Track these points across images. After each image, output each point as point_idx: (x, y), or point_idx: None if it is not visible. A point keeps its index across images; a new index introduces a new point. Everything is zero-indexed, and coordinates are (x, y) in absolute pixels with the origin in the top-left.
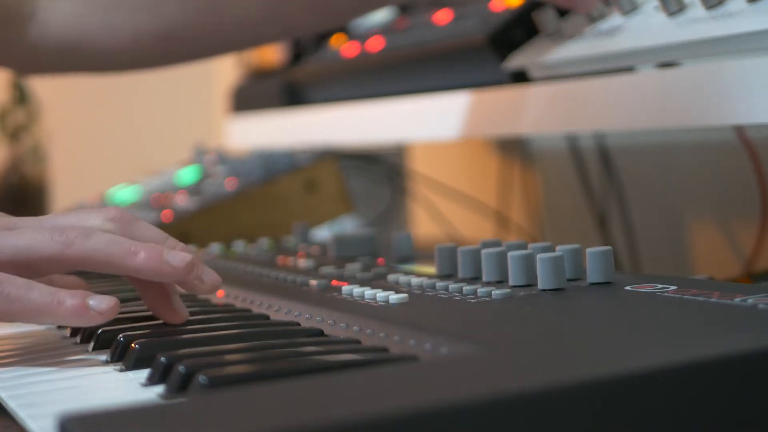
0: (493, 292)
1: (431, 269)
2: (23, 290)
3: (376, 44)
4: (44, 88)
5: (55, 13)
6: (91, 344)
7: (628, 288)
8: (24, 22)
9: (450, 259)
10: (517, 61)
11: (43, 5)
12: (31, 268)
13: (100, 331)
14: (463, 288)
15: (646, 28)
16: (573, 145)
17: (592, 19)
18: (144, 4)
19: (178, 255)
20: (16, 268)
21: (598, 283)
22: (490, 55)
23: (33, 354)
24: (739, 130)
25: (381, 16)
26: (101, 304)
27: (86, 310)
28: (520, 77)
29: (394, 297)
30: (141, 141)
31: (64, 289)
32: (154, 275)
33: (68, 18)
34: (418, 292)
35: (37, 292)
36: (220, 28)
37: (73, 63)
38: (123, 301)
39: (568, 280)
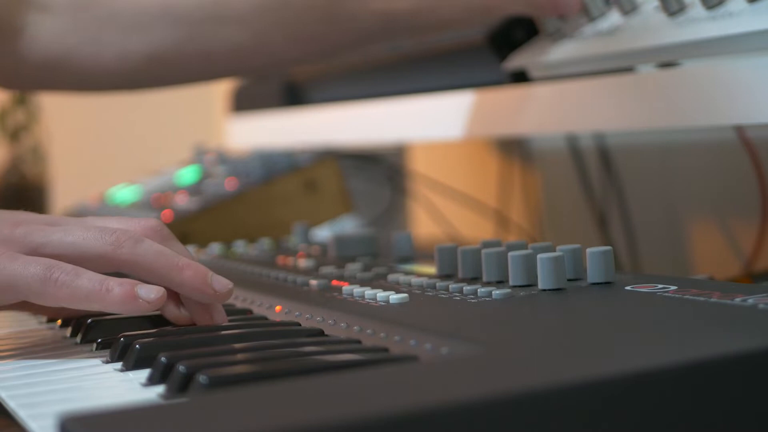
0: (493, 292)
1: (431, 269)
2: (72, 276)
3: None
4: None
5: (43, 29)
6: (93, 344)
7: (628, 288)
8: (13, 35)
9: (450, 259)
10: (517, 61)
11: (33, 20)
12: (76, 264)
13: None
14: (464, 288)
15: (646, 28)
16: (573, 145)
17: (592, 19)
18: (133, 26)
19: (222, 281)
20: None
21: (598, 283)
22: (490, 55)
23: (33, 354)
24: (739, 130)
25: None
26: (150, 294)
27: (134, 299)
28: (520, 77)
29: (394, 297)
30: (141, 141)
31: (113, 277)
32: (195, 293)
33: (56, 34)
34: (418, 292)
35: (86, 278)
36: (207, 56)
37: (59, 80)
38: None
39: (569, 280)
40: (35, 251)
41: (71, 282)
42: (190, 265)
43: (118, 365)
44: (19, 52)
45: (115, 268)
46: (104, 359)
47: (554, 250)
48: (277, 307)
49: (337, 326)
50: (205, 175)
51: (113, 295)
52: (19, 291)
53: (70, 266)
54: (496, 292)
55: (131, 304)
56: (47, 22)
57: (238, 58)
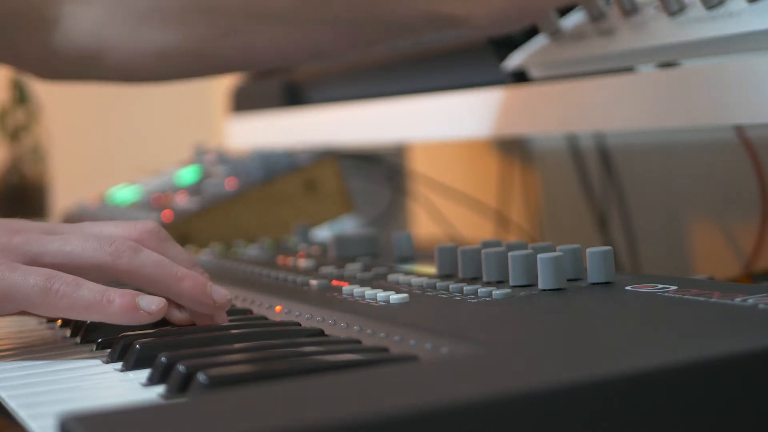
0: (493, 292)
1: (431, 269)
2: (72, 287)
3: None
4: (44, 88)
5: (78, 20)
6: (93, 344)
7: (628, 288)
8: (47, 27)
9: (450, 259)
10: (517, 61)
11: (68, 11)
12: (74, 274)
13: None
14: (464, 288)
15: (646, 28)
16: (573, 145)
17: (592, 19)
18: (171, 20)
19: (220, 291)
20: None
21: (598, 283)
22: (490, 55)
23: (33, 354)
24: (739, 130)
25: None
26: (151, 305)
27: (135, 310)
28: (520, 77)
29: (394, 297)
30: (141, 141)
31: (114, 288)
32: (193, 304)
33: (92, 26)
34: (418, 292)
35: (87, 289)
36: (248, 49)
37: (94, 73)
38: None
39: (569, 280)
40: (33, 261)
41: (72, 293)
42: (189, 276)
43: (118, 365)
44: (54, 44)
45: (114, 278)
46: (104, 359)
47: (554, 250)
48: (277, 307)
49: (337, 326)
50: (205, 175)
51: (114, 307)
52: (18, 302)
53: (70, 277)
54: (496, 292)
55: (132, 315)
56: (83, 14)
57: (281, 52)
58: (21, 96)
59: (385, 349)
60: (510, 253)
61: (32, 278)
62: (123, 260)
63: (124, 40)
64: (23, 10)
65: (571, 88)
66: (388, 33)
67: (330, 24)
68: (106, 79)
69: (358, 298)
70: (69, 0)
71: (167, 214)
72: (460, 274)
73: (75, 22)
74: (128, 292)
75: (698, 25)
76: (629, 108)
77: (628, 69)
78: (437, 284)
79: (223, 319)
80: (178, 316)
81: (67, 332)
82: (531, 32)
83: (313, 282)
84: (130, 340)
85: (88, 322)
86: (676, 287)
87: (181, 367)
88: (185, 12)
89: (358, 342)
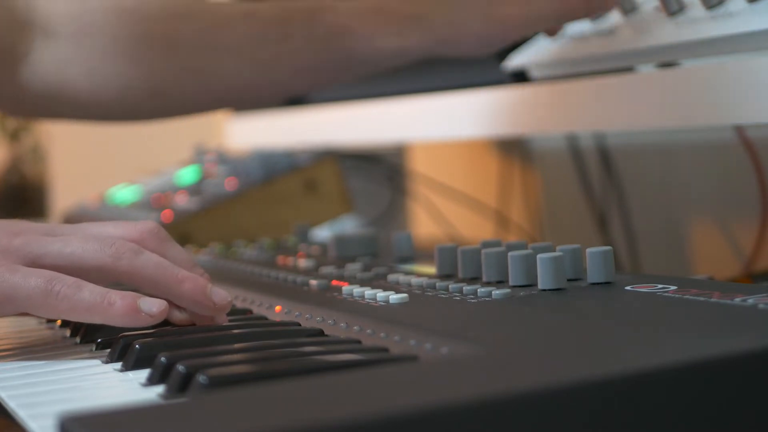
0: (493, 292)
1: (431, 269)
2: (73, 289)
3: None
4: None
5: (45, 56)
6: (93, 344)
7: (628, 288)
8: (17, 61)
9: (450, 259)
10: (517, 61)
11: (37, 46)
12: (74, 275)
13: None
14: (463, 288)
15: (646, 28)
16: (573, 145)
17: (592, 19)
18: (135, 56)
19: (220, 293)
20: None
21: (598, 283)
22: (490, 55)
23: (33, 354)
24: (739, 130)
25: None
26: (152, 308)
27: (137, 312)
28: (520, 77)
29: (394, 297)
30: (141, 141)
31: (115, 290)
32: (194, 306)
33: (57, 62)
34: (418, 292)
35: (87, 291)
36: (208, 88)
37: (59, 110)
38: None
39: (568, 280)
40: (34, 262)
41: (73, 295)
42: (190, 278)
43: (118, 365)
44: (20, 79)
45: (115, 280)
46: (104, 359)
47: (554, 250)
48: (277, 307)
49: (337, 326)
50: (205, 175)
51: (115, 309)
52: (19, 303)
53: (71, 279)
54: (496, 292)
55: (133, 317)
56: (50, 49)
57: (241, 90)
58: None
59: (385, 349)
60: (510, 253)
61: (33, 280)
62: (123, 262)
63: (87, 77)
64: None
65: (571, 88)
66: (354, 71)
67: (292, 59)
68: (70, 116)
69: (357, 298)
70: (39, 34)
71: (167, 214)
72: (460, 274)
73: (43, 56)
74: (129, 295)
75: (698, 25)
76: (629, 108)
77: (628, 69)
78: (437, 284)
79: (223, 321)
80: (178, 316)
81: (67, 332)
82: None
83: (313, 282)
84: (130, 340)
85: None
86: (676, 287)
87: (180, 367)
88: (142, 46)
89: (358, 342)
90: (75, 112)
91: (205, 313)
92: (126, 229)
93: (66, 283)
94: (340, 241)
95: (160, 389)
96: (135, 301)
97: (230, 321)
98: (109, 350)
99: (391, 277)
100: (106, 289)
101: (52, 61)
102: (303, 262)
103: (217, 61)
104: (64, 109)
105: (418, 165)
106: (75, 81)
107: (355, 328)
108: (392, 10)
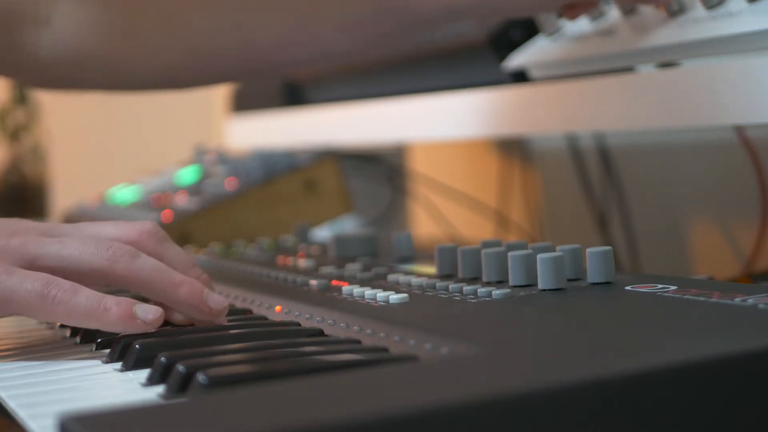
0: (493, 292)
1: (431, 269)
2: (70, 293)
3: None
4: None
5: (70, 20)
6: (92, 344)
7: (628, 288)
8: (39, 28)
9: (450, 259)
10: (517, 61)
11: (60, 10)
12: (71, 278)
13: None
14: (463, 288)
15: (646, 28)
16: (573, 145)
17: (592, 19)
18: (170, 16)
19: (217, 299)
20: (57, 276)
21: (598, 283)
22: (490, 55)
23: (33, 354)
24: (739, 130)
25: None
26: (148, 315)
27: (132, 319)
28: (520, 77)
29: (394, 297)
30: (141, 141)
31: (111, 296)
32: (190, 310)
33: (84, 26)
34: (418, 292)
35: (84, 296)
36: (248, 47)
37: (88, 78)
38: None
39: (569, 280)
40: (31, 263)
41: (68, 300)
42: (186, 282)
43: (118, 365)
44: (44, 47)
45: (111, 283)
46: (104, 359)
47: (554, 250)
48: (277, 307)
49: (336, 326)
50: (205, 175)
51: (111, 315)
52: (15, 306)
53: (68, 283)
54: (496, 292)
55: (129, 324)
56: (75, 13)
57: (284, 50)
58: (21, 96)
59: (385, 349)
60: (510, 253)
61: (29, 283)
62: (120, 265)
63: (116, 41)
64: (15, 9)
65: (571, 88)
66: (400, 29)
67: (337, 15)
68: (99, 86)
69: (357, 298)
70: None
71: (167, 214)
72: (460, 274)
73: (67, 21)
74: (125, 301)
75: (698, 25)
76: (629, 108)
77: (628, 69)
78: (437, 284)
79: (222, 319)
80: (177, 317)
81: (67, 332)
82: (531, 32)
83: (313, 282)
84: (130, 340)
85: None
86: (676, 287)
87: (180, 367)
88: (181, 5)
89: (358, 342)
90: (104, 80)
91: (202, 318)
92: (124, 229)
93: (62, 287)
94: (340, 241)
95: (160, 389)
96: (130, 308)
97: (230, 321)
98: (109, 350)
99: (391, 277)
100: (102, 295)
101: (79, 26)
102: (303, 262)
103: (259, 19)
104: (93, 77)
105: (418, 165)
106: (103, 45)
107: (354, 328)
108: None
